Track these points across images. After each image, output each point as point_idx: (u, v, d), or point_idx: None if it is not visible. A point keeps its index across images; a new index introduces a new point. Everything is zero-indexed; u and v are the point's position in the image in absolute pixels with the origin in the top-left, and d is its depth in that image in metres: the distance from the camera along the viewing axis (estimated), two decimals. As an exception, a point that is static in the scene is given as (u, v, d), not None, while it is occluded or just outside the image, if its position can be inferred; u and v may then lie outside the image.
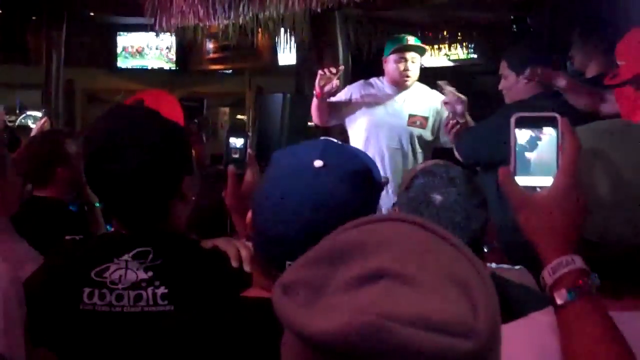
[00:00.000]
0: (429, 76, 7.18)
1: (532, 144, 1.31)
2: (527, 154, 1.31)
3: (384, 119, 4.91)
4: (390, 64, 4.92)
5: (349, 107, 5.03)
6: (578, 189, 1.26)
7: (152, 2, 6.04)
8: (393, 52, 4.86)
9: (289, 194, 1.40)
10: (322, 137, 1.56)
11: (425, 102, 4.94)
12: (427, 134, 4.91)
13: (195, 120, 5.38)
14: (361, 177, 1.44)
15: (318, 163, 1.41)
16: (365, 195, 1.45)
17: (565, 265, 1.22)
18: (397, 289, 0.84)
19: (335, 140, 1.52)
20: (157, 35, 11.45)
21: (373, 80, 5.12)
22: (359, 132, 4.99)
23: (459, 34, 6.45)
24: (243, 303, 1.47)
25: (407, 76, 4.87)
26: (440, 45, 6.81)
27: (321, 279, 0.89)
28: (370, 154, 4.79)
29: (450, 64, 7.04)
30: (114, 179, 1.82)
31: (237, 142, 2.04)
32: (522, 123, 1.31)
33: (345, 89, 5.12)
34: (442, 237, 0.94)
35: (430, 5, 5.71)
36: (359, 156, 1.50)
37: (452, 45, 6.53)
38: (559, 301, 1.21)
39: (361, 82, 5.14)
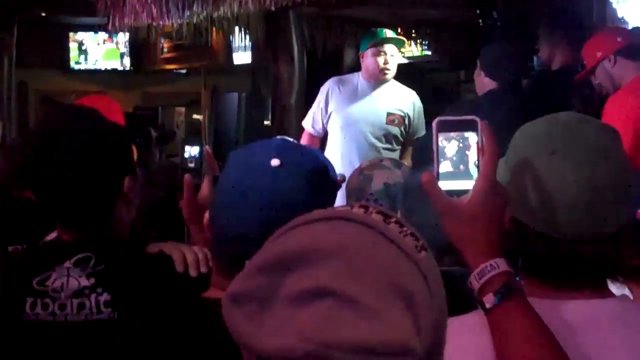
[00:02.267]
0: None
1: (455, 148, 1.31)
2: (450, 158, 1.31)
3: (361, 116, 4.89)
4: (368, 58, 4.87)
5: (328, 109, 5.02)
6: (498, 192, 1.28)
7: (104, 1, 5.96)
8: (372, 46, 4.83)
9: (246, 193, 1.40)
10: (278, 137, 1.56)
11: (403, 100, 4.93)
12: (404, 132, 4.90)
13: (153, 132, 5.34)
14: (318, 175, 1.45)
15: (275, 162, 1.41)
16: (322, 193, 1.46)
17: (491, 269, 1.25)
18: (339, 311, 0.84)
19: (291, 140, 1.52)
20: (110, 35, 11.37)
21: (348, 76, 5.11)
22: (334, 129, 4.98)
23: (413, 31, 6.46)
24: (196, 304, 1.45)
25: (387, 69, 4.84)
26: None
27: (267, 290, 0.89)
28: (346, 151, 4.81)
29: (405, 60, 7.07)
30: (52, 178, 1.79)
31: (192, 150, 2.02)
32: (444, 127, 1.32)
33: (320, 99, 5.08)
34: (387, 237, 0.92)
35: (385, 3, 5.72)
36: (315, 155, 1.51)
37: (407, 42, 6.55)
38: (487, 305, 1.25)
39: (334, 79, 5.11)
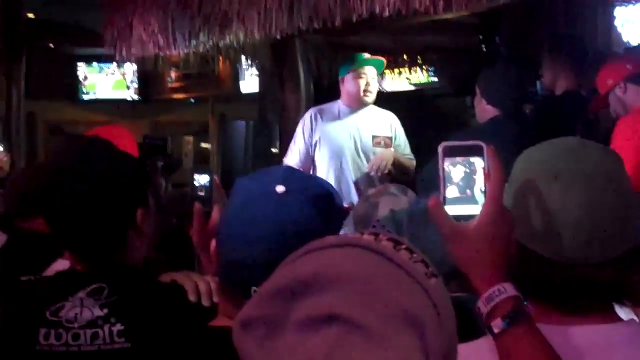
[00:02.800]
0: (392, 100, 7.22)
1: (461, 173, 1.32)
2: (456, 183, 1.32)
3: (347, 142, 4.86)
4: (349, 82, 4.85)
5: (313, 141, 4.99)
6: (505, 217, 1.29)
7: (111, 32, 6.01)
8: (352, 70, 4.81)
9: (252, 219, 1.41)
10: (284, 164, 1.57)
11: (384, 122, 4.93)
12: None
13: (159, 162, 5.35)
14: (323, 202, 1.45)
15: (280, 189, 1.42)
16: (327, 219, 1.46)
17: (499, 294, 1.26)
18: (348, 337, 0.83)
19: (295, 167, 1.53)
20: (118, 65, 11.43)
21: (327, 105, 5.06)
22: (322, 158, 4.93)
23: (419, 57, 6.49)
24: (206, 333, 1.46)
25: (369, 92, 4.83)
26: (401, 69, 6.86)
27: (277, 316, 0.88)
28: (336, 178, 4.79)
29: (412, 87, 7.09)
30: (65, 208, 1.81)
31: (201, 179, 2.03)
32: (449, 152, 1.32)
33: (301, 130, 5.01)
34: (397, 264, 0.92)
35: (390, 30, 5.75)
36: (320, 182, 1.52)
37: (412, 69, 6.57)
38: (495, 330, 1.25)
39: (313, 109, 5.08)
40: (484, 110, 3.95)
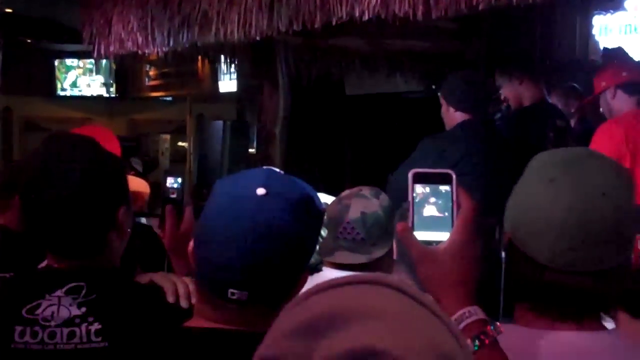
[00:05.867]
0: (372, 102, 7.24)
1: (429, 200, 1.34)
2: (425, 209, 1.34)
3: None
4: None
5: None
6: (473, 243, 1.32)
7: (90, 29, 5.98)
8: None
9: (232, 222, 1.41)
10: (264, 166, 1.58)
11: None
12: None
13: (138, 160, 5.34)
14: (304, 205, 1.46)
15: (261, 191, 1.42)
16: (307, 222, 1.47)
17: (468, 316, 1.29)
18: None
19: (277, 169, 1.54)
20: (95, 62, 11.37)
21: None
22: None
23: (398, 62, 6.50)
24: (182, 334, 1.46)
25: None
26: (379, 73, 6.86)
27: (302, 353, 0.83)
28: None
29: (389, 91, 7.10)
30: (46, 206, 1.80)
31: (174, 182, 2.03)
32: (419, 179, 1.35)
33: None
34: (422, 303, 0.89)
35: (369, 33, 5.76)
36: (301, 185, 1.51)
37: (391, 73, 6.58)
38: None
39: None
40: (453, 118, 3.95)
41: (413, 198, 1.34)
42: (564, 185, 1.35)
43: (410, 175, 1.34)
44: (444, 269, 1.31)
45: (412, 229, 1.33)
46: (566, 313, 1.38)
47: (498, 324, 1.31)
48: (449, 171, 1.34)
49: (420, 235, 1.33)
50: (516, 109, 4.55)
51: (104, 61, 10.68)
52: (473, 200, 1.32)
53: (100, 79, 12.13)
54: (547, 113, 4.34)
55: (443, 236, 1.33)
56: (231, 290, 1.40)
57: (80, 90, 12.18)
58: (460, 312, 1.30)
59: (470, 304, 1.31)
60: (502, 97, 4.48)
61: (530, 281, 1.39)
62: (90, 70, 12.08)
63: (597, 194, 1.34)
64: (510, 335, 1.34)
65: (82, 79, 12.18)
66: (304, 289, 1.23)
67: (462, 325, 1.28)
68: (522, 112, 4.48)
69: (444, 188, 1.34)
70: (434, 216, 1.34)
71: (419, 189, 1.34)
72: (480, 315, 1.30)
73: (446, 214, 1.33)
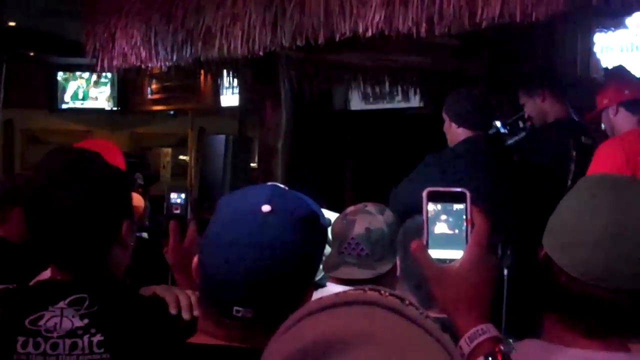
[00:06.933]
0: (372, 118, 7.23)
1: (443, 218, 1.36)
2: (439, 228, 1.36)
3: None
4: None
5: None
6: (487, 262, 1.34)
7: (93, 42, 5.99)
8: None
9: (237, 239, 1.40)
10: (269, 183, 1.57)
11: None
12: None
13: (139, 174, 5.33)
14: (309, 222, 1.46)
15: (266, 208, 1.42)
16: (312, 240, 1.47)
17: (482, 333, 1.31)
18: None
19: (282, 186, 1.54)
20: (98, 76, 11.38)
21: None
22: None
23: (400, 77, 6.51)
24: (185, 349, 1.46)
25: None
26: (381, 89, 6.87)
27: None
28: None
29: (391, 107, 7.11)
30: (51, 218, 1.80)
31: (177, 197, 2.03)
32: (433, 197, 1.36)
33: None
34: (419, 325, 0.88)
35: (371, 49, 5.77)
36: (306, 202, 1.51)
37: (393, 88, 6.59)
38: None
39: None
40: (456, 135, 3.95)
41: (427, 216, 1.35)
42: (604, 201, 1.36)
43: (424, 194, 1.35)
44: (458, 287, 1.33)
45: (426, 246, 1.35)
46: (593, 329, 1.38)
47: (511, 340, 1.32)
48: (464, 190, 1.36)
49: (435, 253, 1.35)
50: (539, 125, 4.52)
51: (109, 74, 10.68)
52: (487, 219, 1.34)
53: (106, 90, 12.09)
54: (571, 129, 4.27)
55: (456, 254, 1.34)
56: (236, 307, 1.40)
57: (82, 104, 12.18)
58: (474, 329, 1.31)
59: (483, 322, 1.32)
60: (525, 116, 4.44)
61: (562, 291, 1.39)
62: (96, 83, 12.08)
63: (636, 213, 1.35)
64: (526, 351, 1.35)
65: (84, 92, 12.19)
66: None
67: (475, 342, 1.30)
68: (544, 128, 4.44)
69: (458, 206, 1.35)
70: (447, 234, 1.35)
71: (432, 206, 1.35)
72: (493, 332, 1.31)
73: (457, 231, 1.35)
